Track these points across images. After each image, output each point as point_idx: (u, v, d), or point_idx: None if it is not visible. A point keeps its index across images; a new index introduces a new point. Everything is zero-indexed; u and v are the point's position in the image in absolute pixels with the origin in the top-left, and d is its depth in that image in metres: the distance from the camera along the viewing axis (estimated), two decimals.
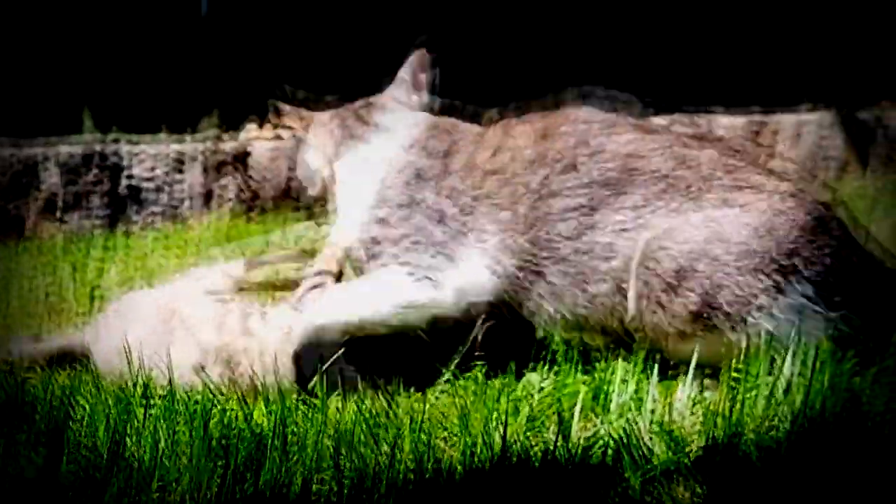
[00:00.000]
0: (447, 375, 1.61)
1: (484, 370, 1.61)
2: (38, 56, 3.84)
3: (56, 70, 3.87)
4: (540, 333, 1.69)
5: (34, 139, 3.48)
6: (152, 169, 3.23)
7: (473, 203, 1.71)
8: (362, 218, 1.79)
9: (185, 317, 1.73)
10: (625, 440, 1.23)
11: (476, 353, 1.65)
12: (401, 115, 1.95)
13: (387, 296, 1.70)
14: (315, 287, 1.79)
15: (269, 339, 1.66)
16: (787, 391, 1.36)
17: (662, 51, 4.62)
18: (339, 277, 1.83)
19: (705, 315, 1.52)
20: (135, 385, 1.55)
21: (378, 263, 1.74)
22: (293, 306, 1.75)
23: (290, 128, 2.14)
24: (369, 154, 1.89)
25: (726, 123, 3.88)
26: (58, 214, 3.24)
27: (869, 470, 1.13)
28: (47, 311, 2.31)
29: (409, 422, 1.35)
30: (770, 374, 1.41)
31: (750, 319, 1.50)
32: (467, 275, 1.70)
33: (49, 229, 3.28)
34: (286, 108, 2.09)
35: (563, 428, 1.29)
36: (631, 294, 1.58)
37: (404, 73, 1.97)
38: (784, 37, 4.86)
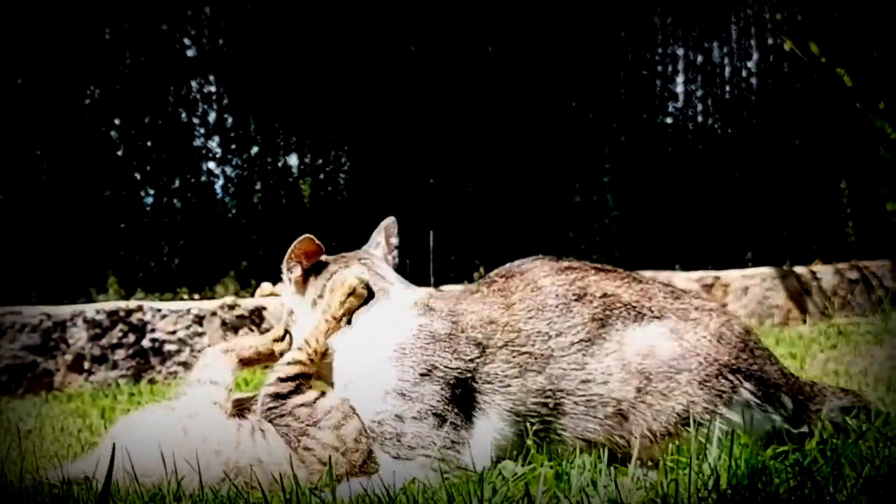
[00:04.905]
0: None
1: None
2: (67, 226, 4.19)
3: (82, 239, 4.22)
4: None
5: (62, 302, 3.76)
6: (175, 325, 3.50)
7: (494, 353, 1.89)
8: (376, 391, 1.88)
9: (202, 435, 1.90)
10: None
11: None
12: (395, 276, 2.10)
13: None
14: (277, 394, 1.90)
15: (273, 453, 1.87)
16: (712, 470, 1.65)
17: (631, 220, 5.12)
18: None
19: (687, 415, 1.80)
20: (169, 486, 1.78)
21: (390, 453, 1.83)
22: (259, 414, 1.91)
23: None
24: (381, 315, 1.99)
25: (684, 278, 4.26)
26: (86, 366, 3.49)
27: None
28: (80, 446, 2.49)
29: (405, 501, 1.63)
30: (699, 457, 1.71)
31: (718, 412, 1.80)
32: (487, 425, 1.87)
33: (77, 383, 3.52)
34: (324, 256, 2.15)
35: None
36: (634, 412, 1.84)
37: (377, 234, 2.22)
38: (733, 206, 5.42)
